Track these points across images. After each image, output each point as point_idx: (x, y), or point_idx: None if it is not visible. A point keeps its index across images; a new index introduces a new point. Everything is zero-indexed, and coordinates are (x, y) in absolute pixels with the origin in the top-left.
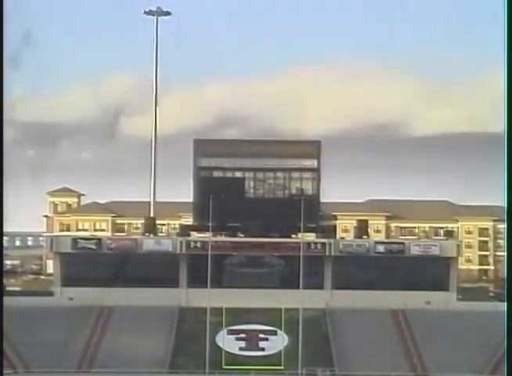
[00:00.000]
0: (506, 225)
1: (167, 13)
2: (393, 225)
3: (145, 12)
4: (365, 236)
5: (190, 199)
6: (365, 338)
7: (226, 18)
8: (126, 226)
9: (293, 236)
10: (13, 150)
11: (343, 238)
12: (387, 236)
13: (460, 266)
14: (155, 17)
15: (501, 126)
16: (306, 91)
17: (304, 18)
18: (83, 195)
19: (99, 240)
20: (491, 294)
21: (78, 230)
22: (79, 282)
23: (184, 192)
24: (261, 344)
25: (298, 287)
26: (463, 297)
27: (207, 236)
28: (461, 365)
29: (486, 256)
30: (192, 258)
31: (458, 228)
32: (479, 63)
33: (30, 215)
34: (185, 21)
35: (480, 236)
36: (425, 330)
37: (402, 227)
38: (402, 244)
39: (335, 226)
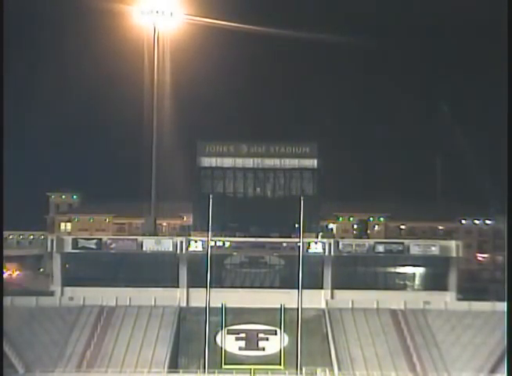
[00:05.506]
0: (506, 225)
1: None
2: (393, 225)
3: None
4: (365, 236)
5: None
6: (365, 337)
7: None
8: (126, 226)
9: (292, 236)
10: None
11: (343, 238)
12: (387, 236)
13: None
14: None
15: None
16: None
17: None
18: (83, 194)
19: (100, 240)
20: (491, 294)
21: (79, 230)
22: (79, 282)
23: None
24: (261, 344)
25: (298, 287)
26: (463, 297)
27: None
28: (460, 365)
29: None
30: (192, 257)
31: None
32: None
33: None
34: None
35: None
36: (425, 330)
37: (401, 228)
38: (402, 243)
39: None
